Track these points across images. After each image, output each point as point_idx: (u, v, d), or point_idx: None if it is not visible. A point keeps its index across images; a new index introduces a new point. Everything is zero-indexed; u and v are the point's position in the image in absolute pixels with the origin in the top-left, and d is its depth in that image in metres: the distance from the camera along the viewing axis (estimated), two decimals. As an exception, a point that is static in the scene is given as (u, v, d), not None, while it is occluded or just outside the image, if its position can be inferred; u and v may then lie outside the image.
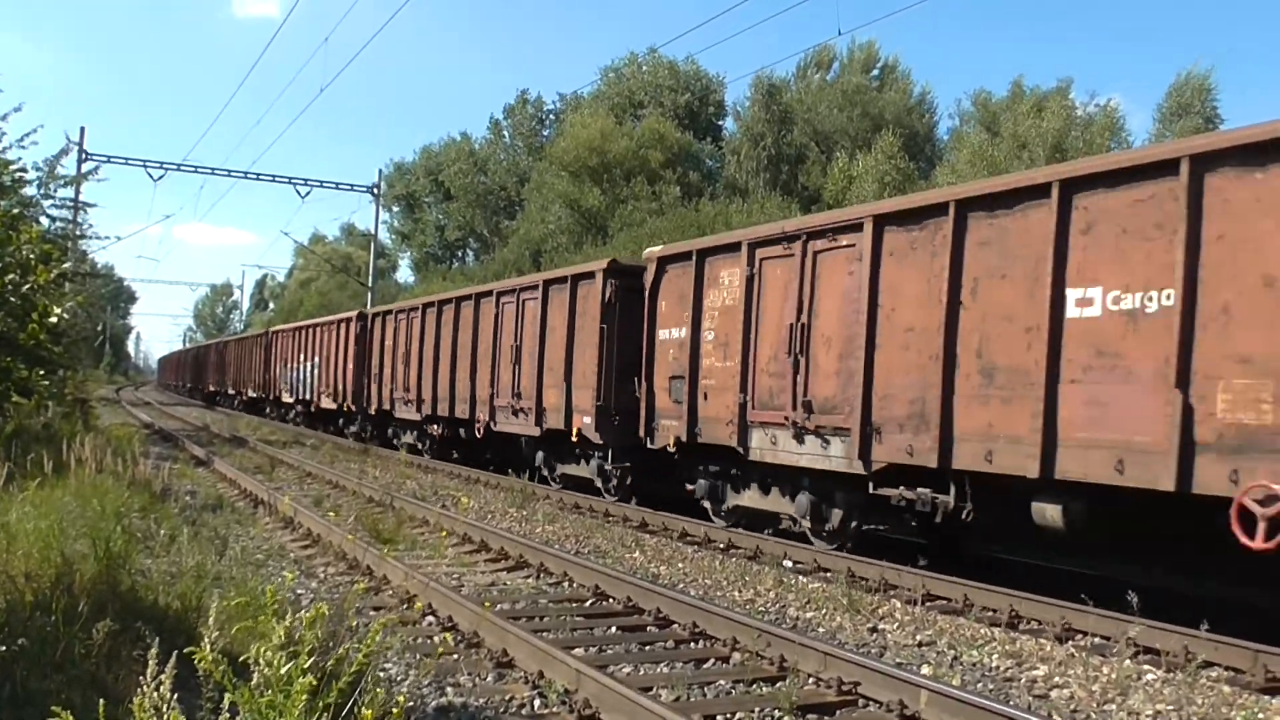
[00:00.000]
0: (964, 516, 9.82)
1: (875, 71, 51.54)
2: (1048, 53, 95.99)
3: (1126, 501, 8.30)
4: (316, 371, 31.72)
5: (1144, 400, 7.91)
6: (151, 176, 39.53)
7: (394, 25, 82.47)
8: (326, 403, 30.37)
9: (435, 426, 22.75)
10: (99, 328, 62.20)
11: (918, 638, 8.07)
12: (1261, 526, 7.07)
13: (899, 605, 9.25)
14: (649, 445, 14.45)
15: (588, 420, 15.86)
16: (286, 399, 36.32)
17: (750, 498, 13.03)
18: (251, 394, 42.63)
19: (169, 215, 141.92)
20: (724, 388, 12.95)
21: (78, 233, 25.55)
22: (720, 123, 53.70)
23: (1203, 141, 8.10)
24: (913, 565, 10.53)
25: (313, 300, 73.16)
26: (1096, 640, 8.04)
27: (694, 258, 13.67)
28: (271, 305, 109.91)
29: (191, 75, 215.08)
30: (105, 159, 36.39)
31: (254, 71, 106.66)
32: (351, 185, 44.24)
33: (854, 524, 11.48)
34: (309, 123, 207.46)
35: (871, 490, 10.83)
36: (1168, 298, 7.80)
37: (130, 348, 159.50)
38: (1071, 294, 8.60)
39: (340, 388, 28.79)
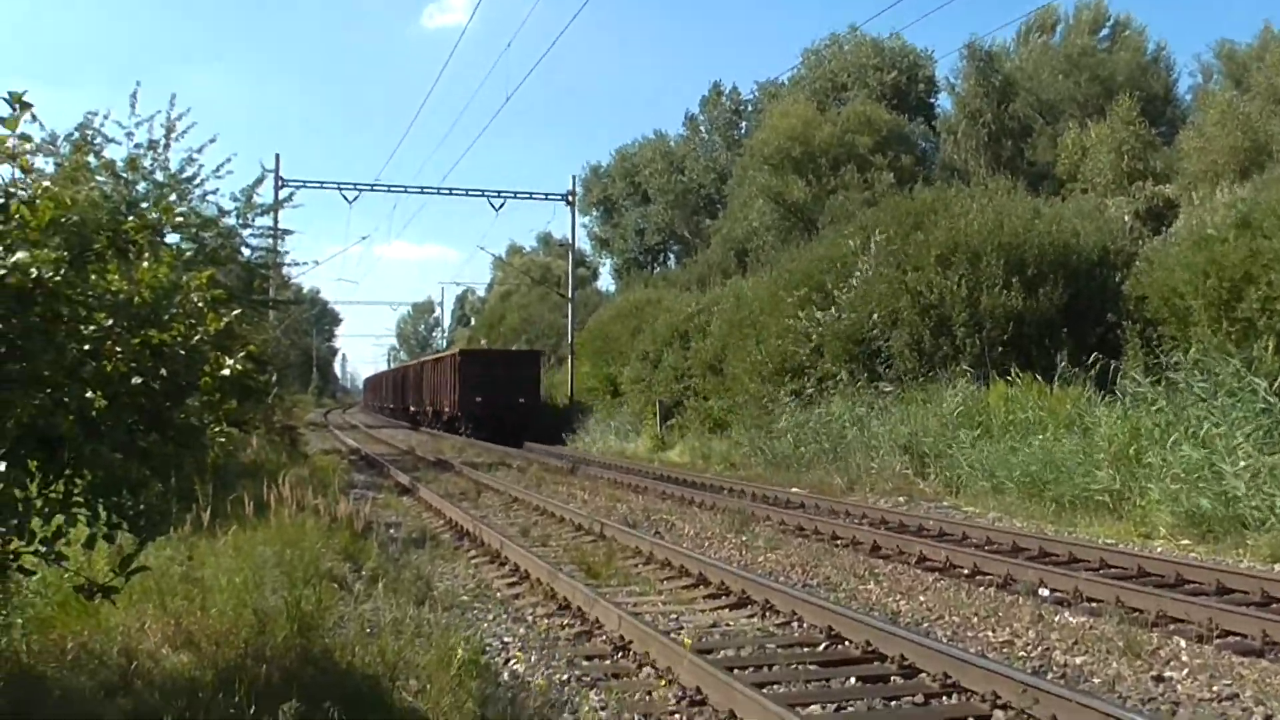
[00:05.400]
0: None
1: (1104, 31, 48.97)
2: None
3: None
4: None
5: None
6: (346, 198, 40.96)
7: (578, 25, 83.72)
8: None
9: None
10: (302, 353, 65.65)
11: (1214, 688, 7.16)
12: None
13: (1184, 644, 8.31)
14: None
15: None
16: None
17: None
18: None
19: (365, 236, 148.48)
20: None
21: (277, 260, 26.52)
22: (932, 100, 52.21)
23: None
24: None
25: (514, 315, 74.53)
26: None
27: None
28: (473, 320, 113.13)
29: (383, 92, 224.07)
30: (300, 184, 37.83)
31: (441, 84, 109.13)
32: (546, 194, 44.86)
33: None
34: (499, 133, 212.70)
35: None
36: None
37: (337, 369, 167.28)
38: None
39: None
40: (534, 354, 49.42)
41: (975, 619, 9.39)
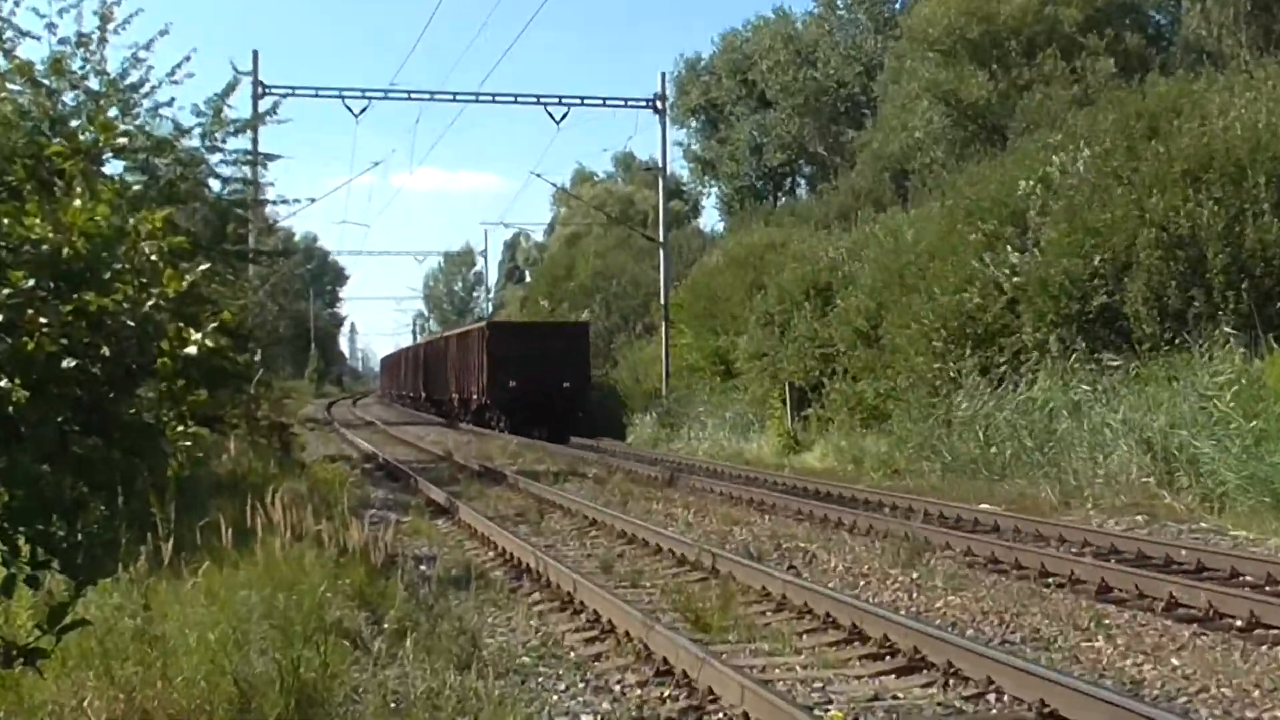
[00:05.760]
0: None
1: None
2: None
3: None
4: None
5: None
6: (351, 110, 41.21)
7: None
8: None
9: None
10: (295, 323, 67.48)
11: None
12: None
13: None
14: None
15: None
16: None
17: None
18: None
19: (378, 162, 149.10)
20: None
21: (258, 196, 26.82)
22: (1170, -45, 51.44)
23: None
24: None
25: (584, 266, 74.63)
26: None
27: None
28: (528, 275, 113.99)
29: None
30: (288, 91, 38.08)
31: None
32: (625, 100, 44.80)
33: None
34: (557, 18, 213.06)
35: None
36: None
37: (344, 345, 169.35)
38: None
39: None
40: (581, 326, 55.01)
41: (1256, 692, 9.15)
